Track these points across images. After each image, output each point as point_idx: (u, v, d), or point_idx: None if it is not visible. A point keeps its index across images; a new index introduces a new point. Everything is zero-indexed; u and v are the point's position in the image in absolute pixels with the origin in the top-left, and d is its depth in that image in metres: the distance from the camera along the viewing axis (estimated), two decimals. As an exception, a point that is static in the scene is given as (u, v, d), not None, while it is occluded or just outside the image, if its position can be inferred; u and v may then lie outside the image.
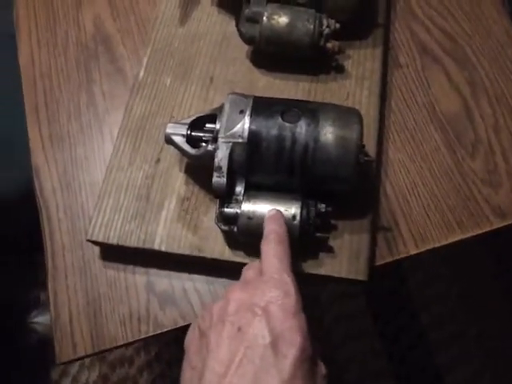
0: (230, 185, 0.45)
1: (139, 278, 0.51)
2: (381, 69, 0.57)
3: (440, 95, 0.59)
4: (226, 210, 0.45)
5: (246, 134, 0.44)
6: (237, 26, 0.57)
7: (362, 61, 0.57)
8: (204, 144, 0.47)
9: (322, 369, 0.36)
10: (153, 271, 0.51)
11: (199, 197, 0.51)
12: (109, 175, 0.52)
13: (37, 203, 0.56)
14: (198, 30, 0.60)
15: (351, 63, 0.57)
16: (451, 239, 0.53)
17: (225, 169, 0.44)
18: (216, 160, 0.44)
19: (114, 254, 0.52)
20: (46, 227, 0.54)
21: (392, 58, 0.61)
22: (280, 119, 0.44)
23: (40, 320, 1.13)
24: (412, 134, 0.57)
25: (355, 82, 0.56)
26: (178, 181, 0.52)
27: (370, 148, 0.52)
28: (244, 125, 0.44)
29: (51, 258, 0.53)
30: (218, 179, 0.44)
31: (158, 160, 0.53)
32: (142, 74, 0.57)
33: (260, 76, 0.57)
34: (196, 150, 0.47)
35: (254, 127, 0.44)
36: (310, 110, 0.45)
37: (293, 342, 0.33)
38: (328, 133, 0.43)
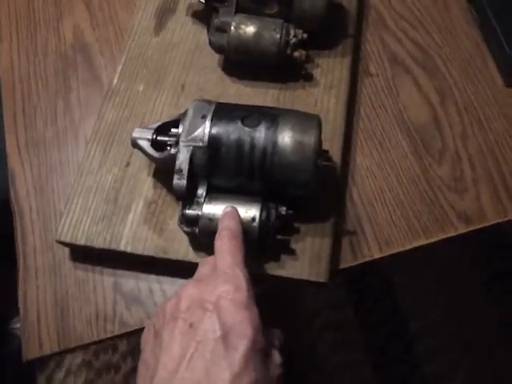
0: (192, 187, 0.46)
1: (107, 278, 0.52)
2: (349, 77, 0.58)
3: (409, 103, 0.60)
4: (188, 211, 0.46)
5: (206, 138, 0.45)
6: (208, 34, 0.58)
7: (330, 69, 0.59)
8: (168, 148, 0.48)
9: (277, 358, 0.36)
10: (120, 272, 0.52)
11: (166, 200, 0.52)
12: (79, 178, 0.54)
13: (11, 207, 0.57)
14: (172, 40, 0.61)
15: (320, 72, 0.59)
16: (415, 244, 0.53)
17: (185, 171, 0.45)
18: (177, 163, 0.45)
19: (83, 255, 0.53)
20: (19, 229, 0.55)
21: (363, 67, 0.63)
22: (240, 124, 0.45)
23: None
24: (380, 141, 0.58)
25: (323, 90, 0.57)
26: (146, 184, 0.53)
27: (335, 154, 0.53)
28: (205, 129, 0.45)
29: (23, 260, 0.54)
30: (179, 181, 0.45)
31: (128, 164, 0.54)
32: (115, 81, 0.59)
33: (231, 84, 0.58)
34: (160, 153, 0.48)
35: (214, 132, 0.45)
36: (271, 115, 0.46)
37: (243, 335, 0.33)
38: (286, 137, 0.44)
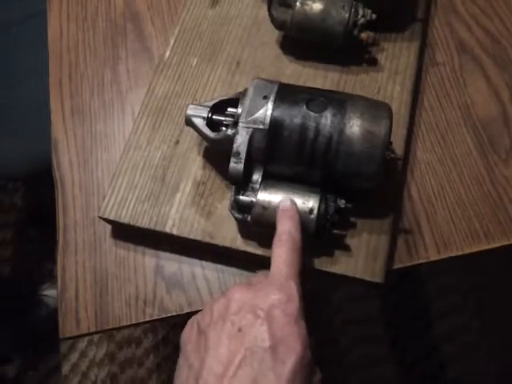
0: (247, 172, 0.43)
1: (148, 259, 0.50)
2: (416, 64, 0.54)
3: (476, 97, 0.56)
4: (241, 197, 0.43)
5: (267, 120, 0.42)
6: (269, 9, 0.55)
7: (396, 54, 0.55)
8: (224, 128, 0.46)
9: (318, 374, 0.35)
10: (163, 254, 0.50)
11: (215, 182, 0.50)
12: (126, 153, 0.51)
13: (53, 177, 0.55)
14: (229, 13, 0.58)
15: (385, 56, 0.55)
16: (476, 248, 0.50)
17: (243, 155, 0.42)
18: (235, 145, 0.42)
19: (125, 233, 0.51)
20: (60, 202, 0.54)
21: (429, 54, 0.59)
22: (305, 108, 0.42)
23: (51, 293, 1.14)
24: (443, 134, 0.55)
25: (388, 76, 0.54)
26: (196, 164, 0.50)
27: (398, 146, 0.50)
28: (267, 111, 0.42)
29: (63, 233, 0.52)
30: (235, 165, 0.42)
31: (177, 142, 0.52)
32: (167, 53, 0.56)
33: (288, 63, 0.55)
34: (215, 133, 0.45)
35: (276, 114, 0.42)
36: (337, 101, 0.42)
37: (293, 349, 0.32)
38: (355, 126, 0.41)
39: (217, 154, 0.50)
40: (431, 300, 1.12)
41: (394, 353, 1.08)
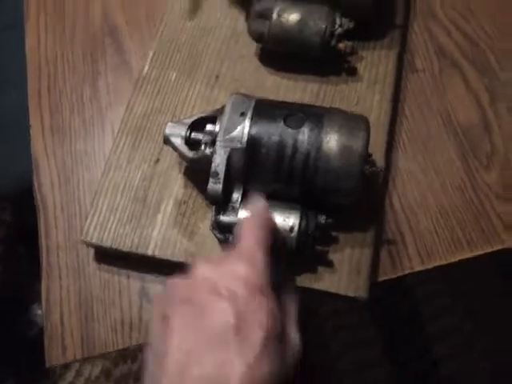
0: (227, 192, 0.43)
1: (133, 282, 0.50)
2: (395, 72, 0.54)
3: (457, 103, 0.56)
4: (222, 217, 0.43)
5: (245, 139, 0.42)
6: (246, 20, 0.55)
7: (375, 63, 0.55)
8: (203, 147, 0.45)
9: (295, 344, 0.34)
10: (147, 276, 0.50)
11: (197, 201, 0.49)
12: (106, 174, 0.51)
13: (34, 198, 0.55)
14: (207, 25, 0.58)
15: (364, 65, 0.55)
16: (459, 256, 0.50)
17: (221, 175, 0.42)
18: (213, 165, 0.42)
19: (108, 255, 0.50)
20: (42, 224, 0.53)
21: (408, 60, 0.58)
22: (282, 124, 0.42)
23: (41, 313, 1.13)
24: (425, 142, 0.55)
25: (367, 86, 0.53)
26: (177, 183, 0.50)
27: (378, 157, 0.50)
28: (244, 129, 0.42)
29: (46, 257, 0.52)
30: (214, 185, 0.42)
31: (158, 160, 0.51)
32: (146, 68, 0.56)
33: (268, 75, 0.55)
34: (194, 152, 0.45)
35: (254, 132, 0.42)
36: (315, 115, 0.42)
37: (257, 324, 0.31)
38: (332, 140, 0.41)
39: (198, 172, 0.49)
40: (420, 304, 1.12)
41: (386, 356, 1.08)
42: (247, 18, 0.54)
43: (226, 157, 0.42)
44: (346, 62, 0.54)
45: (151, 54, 0.56)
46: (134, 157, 0.52)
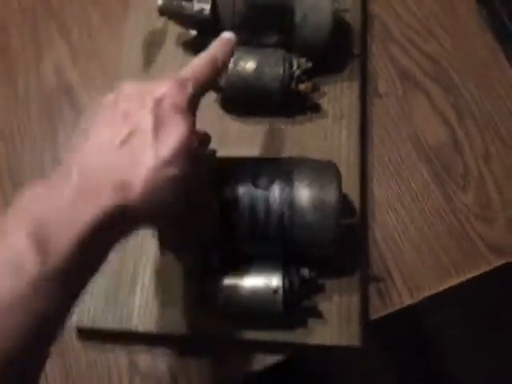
0: (205, 262, 0.42)
1: (120, 356, 0.48)
2: (359, 104, 0.53)
3: (424, 124, 0.56)
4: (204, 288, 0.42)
5: (215, 208, 0.40)
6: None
7: (338, 97, 0.54)
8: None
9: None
10: (135, 348, 0.48)
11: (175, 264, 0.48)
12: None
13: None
14: (163, 75, 0.55)
15: (327, 100, 0.54)
16: (448, 284, 0.50)
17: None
18: (186, 237, 0.40)
19: (91, 334, 0.48)
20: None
21: (372, 86, 0.58)
22: (251, 186, 0.40)
23: None
24: (397, 169, 0.54)
25: (333, 121, 0.53)
26: (152, 247, 0.48)
27: (352, 191, 0.49)
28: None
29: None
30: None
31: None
32: (106, 130, 0.54)
33: (231, 122, 0.53)
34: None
35: (223, 197, 0.40)
36: (283, 172, 0.41)
37: (175, 132, 0.32)
38: (304, 196, 0.40)
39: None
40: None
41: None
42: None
43: (198, 226, 0.40)
44: (308, 99, 0.53)
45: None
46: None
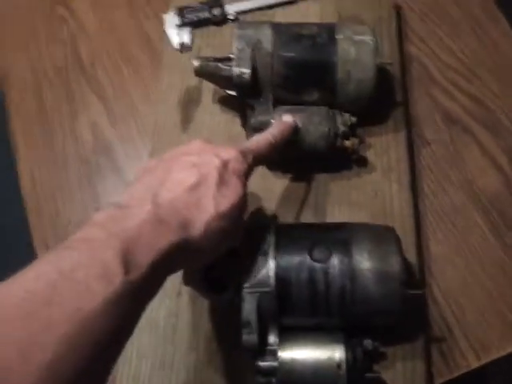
0: (262, 336, 0.40)
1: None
2: (407, 156, 0.52)
3: (476, 171, 0.54)
4: (262, 364, 0.40)
5: (272, 281, 0.39)
6: (242, 125, 0.52)
7: (384, 148, 0.52)
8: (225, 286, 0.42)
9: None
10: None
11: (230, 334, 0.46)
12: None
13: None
14: (202, 134, 0.55)
15: (374, 153, 0.52)
16: (516, 344, 0.47)
17: (254, 324, 0.38)
18: (243, 315, 0.39)
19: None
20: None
21: (417, 133, 0.56)
22: (309, 259, 0.39)
23: None
24: (452, 220, 0.52)
25: (382, 175, 0.51)
26: (204, 316, 0.47)
27: (410, 250, 0.47)
28: (269, 271, 0.39)
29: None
30: (248, 337, 0.39)
31: (179, 293, 0.48)
32: (148, 194, 0.53)
33: (275, 180, 0.52)
34: (217, 297, 0.42)
35: (280, 272, 0.39)
36: (340, 242, 0.39)
37: (234, 192, 0.36)
38: (365, 270, 0.38)
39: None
40: None
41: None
42: (243, 124, 0.51)
43: (255, 303, 0.39)
44: (355, 153, 0.51)
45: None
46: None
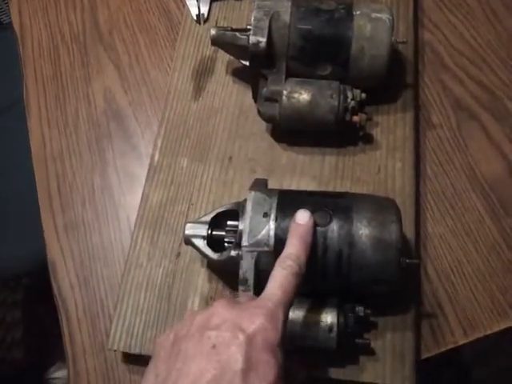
0: (258, 294, 0.41)
1: (165, 384, 0.48)
2: (413, 136, 0.52)
3: (479, 157, 0.54)
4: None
5: (271, 241, 0.40)
6: (254, 98, 0.53)
7: (392, 128, 0.53)
8: (226, 244, 0.44)
9: None
10: (180, 375, 0.48)
11: (224, 295, 0.47)
12: (127, 273, 0.49)
13: (55, 302, 0.53)
14: (214, 104, 0.56)
15: (380, 131, 0.53)
16: (504, 325, 0.48)
17: (251, 281, 0.40)
18: (241, 272, 0.40)
19: (138, 358, 0.48)
20: (66, 329, 0.51)
21: (424, 117, 0.57)
22: (309, 222, 0.40)
23: (60, 375, 1.10)
24: (452, 203, 0.53)
25: (386, 153, 0.52)
26: (201, 277, 0.48)
27: (408, 227, 0.48)
28: (269, 231, 0.40)
29: (72, 363, 0.50)
30: (244, 294, 0.40)
31: (179, 254, 0.49)
32: (156, 157, 0.54)
33: (282, 152, 0.53)
34: (218, 254, 0.43)
35: (280, 233, 0.40)
36: (341, 209, 0.40)
37: (265, 377, 0.31)
38: (364, 236, 0.39)
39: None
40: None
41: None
42: (255, 97, 0.52)
43: (253, 261, 0.40)
44: (361, 130, 0.52)
45: (160, 141, 0.55)
46: (154, 253, 0.50)
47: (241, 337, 0.31)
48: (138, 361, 0.49)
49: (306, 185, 0.51)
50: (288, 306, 0.35)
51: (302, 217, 0.39)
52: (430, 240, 0.51)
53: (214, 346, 0.31)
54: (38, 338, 1.22)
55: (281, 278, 0.35)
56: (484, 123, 0.56)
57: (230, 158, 0.53)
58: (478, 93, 0.57)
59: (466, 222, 0.52)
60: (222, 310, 0.33)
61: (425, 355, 0.47)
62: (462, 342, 0.47)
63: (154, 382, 0.33)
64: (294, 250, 0.37)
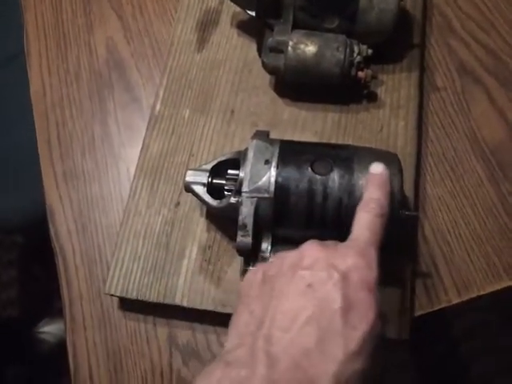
0: (256, 242, 0.41)
1: (161, 330, 0.48)
2: (417, 96, 0.52)
3: (482, 121, 0.54)
4: (252, 268, 0.41)
5: (272, 188, 0.40)
6: (258, 51, 0.53)
7: (396, 87, 0.52)
8: (226, 192, 0.44)
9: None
10: (175, 322, 0.48)
11: (222, 245, 0.48)
12: (126, 221, 0.49)
13: (52, 248, 0.53)
14: (217, 56, 0.56)
15: (385, 90, 0.52)
16: (497, 286, 0.48)
17: (250, 227, 0.40)
18: (240, 217, 0.40)
19: (133, 304, 0.49)
20: (63, 275, 0.52)
21: (428, 79, 0.56)
22: (310, 170, 0.40)
23: (50, 329, 1.11)
24: (452, 165, 0.53)
25: (390, 112, 0.51)
26: (199, 227, 0.48)
27: (407, 186, 0.48)
28: (270, 178, 0.40)
29: (69, 309, 0.50)
30: (243, 239, 0.40)
31: (178, 203, 0.49)
32: (158, 107, 0.54)
33: (284, 107, 0.53)
34: (218, 201, 0.43)
35: (281, 180, 0.40)
36: (343, 159, 0.40)
37: (365, 317, 0.30)
38: (364, 186, 0.39)
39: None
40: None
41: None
42: (259, 50, 0.52)
43: (253, 208, 0.40)
44: (366, 87, 0.52)
45: (162, 91, 0.54)
46: (154, 201, 0.50)
47: (335, 275, 0.30)
48: (133, 307, 0.49)
49: (308, 140, 0.51)
50: (378, 246, 0.34)
51: (377, 167, 0.38)
52: (429, 201, 0.51)
53: (309, 285, 0.31)
54: (33, 296, 1.23)
55: (366, 220, 0.35)
56: (488, 88, 0.56)
57: (232, 111, 0.53)
58: (484, 57, 0.57)
59: (465, 184, 0.52)
60: (312, 251, 0.33)
61: (418, 312, 0.47)
62: (455, 301, 0.48)
63: (249, 318, 0.32)
64: (373, 195, 0.37)
